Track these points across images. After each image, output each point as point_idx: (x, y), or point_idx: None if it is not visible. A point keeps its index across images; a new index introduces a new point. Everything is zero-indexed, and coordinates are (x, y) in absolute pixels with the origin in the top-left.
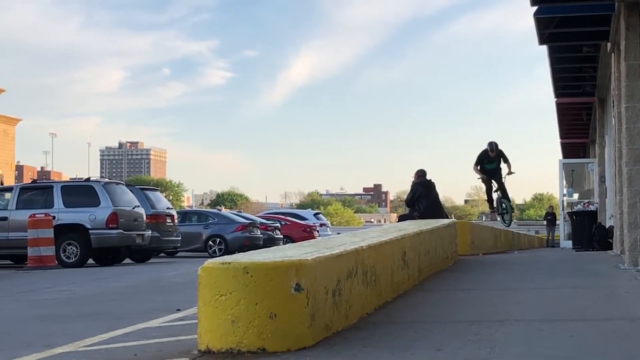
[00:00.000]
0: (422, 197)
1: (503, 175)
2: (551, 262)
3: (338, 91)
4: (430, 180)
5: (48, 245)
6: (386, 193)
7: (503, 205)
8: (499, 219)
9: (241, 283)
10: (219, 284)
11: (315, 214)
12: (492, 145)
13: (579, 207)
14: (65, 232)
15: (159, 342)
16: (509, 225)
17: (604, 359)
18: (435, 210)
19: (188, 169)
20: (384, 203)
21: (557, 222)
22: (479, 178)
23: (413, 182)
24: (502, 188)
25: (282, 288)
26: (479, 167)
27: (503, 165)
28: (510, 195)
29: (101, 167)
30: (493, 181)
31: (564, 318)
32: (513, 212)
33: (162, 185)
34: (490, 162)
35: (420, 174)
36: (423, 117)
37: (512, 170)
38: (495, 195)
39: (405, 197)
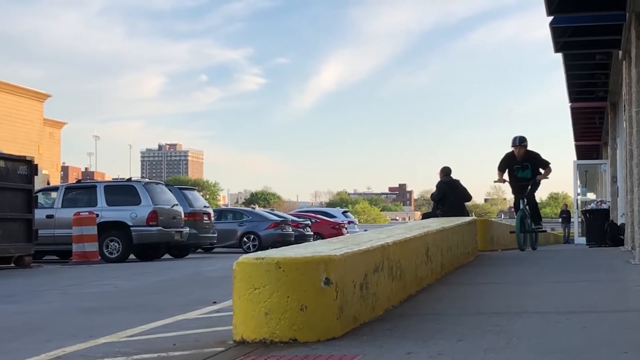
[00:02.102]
0: (446, 196)
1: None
2: (565, 257)
3: (365, 96)
4: (454, 179)
5: (92, 242)
6: (410, 192)
7: (528, 224)
8: (519, 238)
9: (274, 277)
10: (253, 278)
11: (344, 212)
12: (516, 140)
13: (592, 205)
14: (108, 229)
15: (196, 332)
16: (535, 249)
17: (616, 349)
18: (457, 209)
19: (224, 169)
20: (408, 202)
21: (572, 219)
22: (496, 181)
23: (439, 181)
24: (531, 203)
25: (312, 282)
26: (505, 173)
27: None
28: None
29: (142, 168)
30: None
31: (577, 310)
32: (541, 229)
33: (199, 185)
34: (522, 169)
35: (445, 172)
36: (445, 120)
37: (547, 175)
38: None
39: (429, 194)
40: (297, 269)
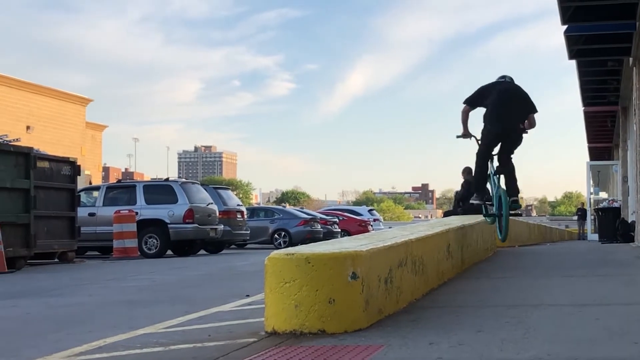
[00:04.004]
0: (466, 197)
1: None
2: (579, 253)
3: (390, 100)
4: None
5: (131, 238)
6: (433, 192)
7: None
8: (488, 220)
9: (303, 272)
10: (284, 273)
11: (370, 210)
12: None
13: (604, 204)
14: (147, 227)
15: (230, 324)
16: (504, 240)
17: (627, 339)
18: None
19: (256, 170)
20: (430, 200)
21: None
22: (459, 136)
23: (464, 180)
24: (506, 169)
25: (339, 276)
26: (469, 110)
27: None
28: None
29: (179, 169)
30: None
31: (590, 303)
32: (518, 210)
33: (233, 185)
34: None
35: (468, 171)
36: None
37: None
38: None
39: (450, 193)
40: (325, 264)
